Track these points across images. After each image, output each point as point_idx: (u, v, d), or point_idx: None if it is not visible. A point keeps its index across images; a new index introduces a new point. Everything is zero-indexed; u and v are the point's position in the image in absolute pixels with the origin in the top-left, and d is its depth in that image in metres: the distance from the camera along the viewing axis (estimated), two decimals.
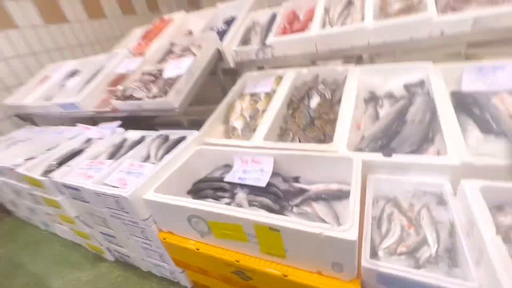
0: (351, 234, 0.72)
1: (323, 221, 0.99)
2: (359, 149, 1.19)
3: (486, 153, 1.03)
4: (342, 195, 1.09)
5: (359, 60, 2.12)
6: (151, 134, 1.63)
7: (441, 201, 0.95)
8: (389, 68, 1.63)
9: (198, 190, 1.28)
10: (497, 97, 1.33)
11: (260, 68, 2.19)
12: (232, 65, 2.05)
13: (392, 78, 1.64)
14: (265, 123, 1.46)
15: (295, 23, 1.96)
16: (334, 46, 1.72)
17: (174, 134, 1.56)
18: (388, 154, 1.06)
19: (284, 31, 1.91)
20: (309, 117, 1.54)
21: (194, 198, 1.26)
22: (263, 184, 1.12)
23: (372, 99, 1.53)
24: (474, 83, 1.45)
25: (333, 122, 1.47)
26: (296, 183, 1.19)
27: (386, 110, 1.41)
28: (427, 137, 1.13)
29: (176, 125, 2.19)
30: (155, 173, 1.19)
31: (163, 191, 1.11)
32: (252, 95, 1.85)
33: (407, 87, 1.55)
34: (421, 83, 1.53)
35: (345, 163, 1.08)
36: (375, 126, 1.29)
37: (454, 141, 1.02)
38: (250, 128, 1.59)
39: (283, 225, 0.80)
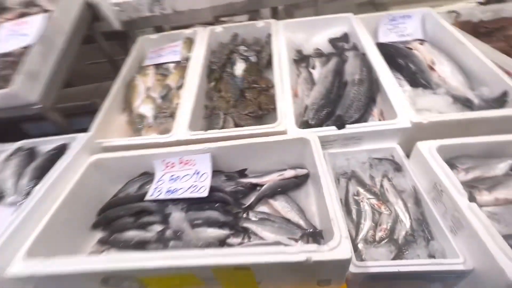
0: (343, 252, 0.56)
1: (288, 221, 0.82)
2: (305, 122, 1.03)
3: (422, 108, 1.04)
4: (300, 182, 0.93)
5: (274, 14, 1.88)
6: (3, 149, 1.02)
7: (398, 167, 0.91)
8: (312, 21, 1.47)
9: (109, 221, 0.88)
10: (411, 47, 1.37)
11: (159, 28, 1.68)
12: (117, 26, 1.47)
13: (316, 33, 1.49)
14: (185, 105, 1.10)
15: None
16: None
17: (45, 142, 1.01)
18: (341, 126, 0.93)
19: None
20: (237, 89, 1.26)
21: (106, 235, 0.87)
22: (203, 193, 0.84)
23: (303, 59, 1.36)
24: (387, 34, 1.46)
25: (267, 91, 1.25)
26: (243, 179, 0.95)
27: (319, 71, 1.27)
28: (370, 98, 1.05)
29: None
30: (21, 221, 0.72)
31: (45, 248, 0.69)
32: (158, 67, 1.39)
33: (332, 41, 1.44)
34: (345, 37, 1.44)
35: (299, 144, 0.90)
36: (315, 91, 1.13)
37: (399, 102, 0.96)
38: (165, 113, 1.20)
39: (254, 262, 0.57)
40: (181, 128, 1.01)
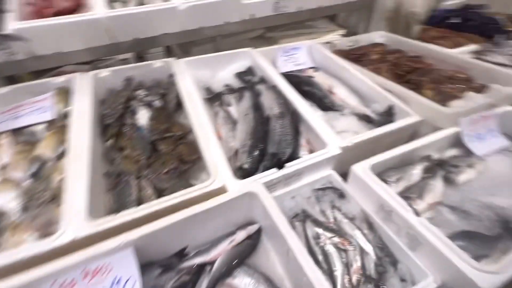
0: None
1: None
2: (240, 169, 0.91)
3: (340, 130, 1.11)
4: (255, 242, 0.79)
5: (168, 52, 1.75)
6: None
7: (341, 193, 0.91)
8: (215, 58, 1.41)
9: None
10: (310, 74, 1.51)
11: (11, 78, 1.23)
12: None
13: (220, 69, 1.45)
14: (75, 179, 0.79)
15: None
16: (141, 34, 1.22)
17: None
18: (281, 165, 0.86)
19: (39, 11, 1.11)
20: (146, 143, 1.02)
21: None
22: None
23: (215, 97, 1.27)
24: (285, 64, 1.57)
25: (184, 139, 1.07)
26: (186, 262, 0.73)
27: (237, 108, 1.20)
28: (296, 129, 1.05)
29: None
30: None
31: None
32: (17, 133, 0.98)
33: (240, 76, 1.42)
34: (251, 70, 1.46)
35: (245, 199, 0.77)
36: (240, 132, 1.05)
37: (324, 130, 0.99)
38: (41, 198, 0.82)
39: None
40: (75, 217, 0.70)
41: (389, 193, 0.77)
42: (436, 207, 0.81)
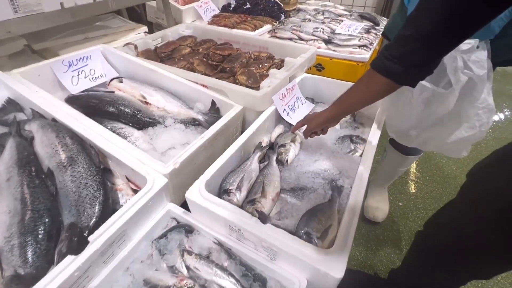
0: None
1: None
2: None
3: (164, 149, 0.90)
4: None
5: None
6: None
7: (188, 228, 0.73)
8: None
9: None
10: (112, 89, 1.19)
11: None
12: None
13: None
14: None
15: None
16: None
17: None
18: (82, 243, 0.56)
19: None
20: None
21: None
22: None
23: None
24: (77, 82, 1.19)
25: None
26: None
27: None
28: (101, 173, 0.74)
29: None
30: None
31: None
32: None
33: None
34: (12, 105, 0.97)
35: None
36: (2, 214, 0.64)
37: (138, 160, 0.75)
38: None
39: None
40: None
41: (231, 210, 0.65)
42: (280, 196, 0.78)
